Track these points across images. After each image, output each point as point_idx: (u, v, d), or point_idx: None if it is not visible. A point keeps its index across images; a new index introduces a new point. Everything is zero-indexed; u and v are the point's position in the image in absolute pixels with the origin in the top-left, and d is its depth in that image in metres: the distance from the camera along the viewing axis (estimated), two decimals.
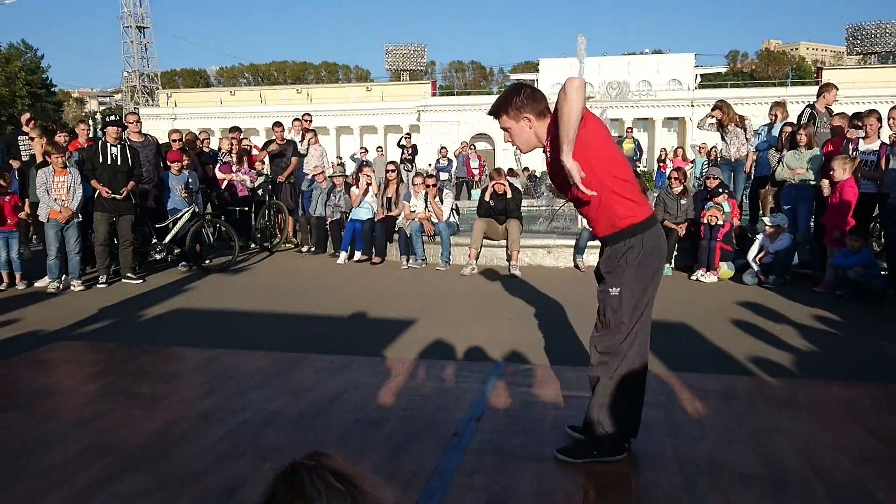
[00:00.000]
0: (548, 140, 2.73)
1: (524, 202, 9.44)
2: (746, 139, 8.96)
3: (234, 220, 9.81)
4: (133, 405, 3.62)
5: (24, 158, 8.75)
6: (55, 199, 6.97)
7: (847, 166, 6.78)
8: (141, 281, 7.48)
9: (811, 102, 8.69)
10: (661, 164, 18.60)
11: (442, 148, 18.63)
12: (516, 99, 2.76)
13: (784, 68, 73.78)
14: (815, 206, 7.68)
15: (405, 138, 18.65)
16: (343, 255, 8.88)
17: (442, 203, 8.74)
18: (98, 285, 7.22)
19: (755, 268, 7.24)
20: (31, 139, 8.55)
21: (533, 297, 6.61)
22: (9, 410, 3.55)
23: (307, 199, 10.15)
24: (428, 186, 8.75)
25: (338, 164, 18.86)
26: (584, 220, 2.76)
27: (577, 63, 11.70)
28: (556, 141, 2.59)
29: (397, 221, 8.94)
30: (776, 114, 9.06)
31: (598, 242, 2.88)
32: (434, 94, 51.00)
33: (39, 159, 7.70)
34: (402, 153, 18.20)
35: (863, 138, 7.23)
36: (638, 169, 16.29)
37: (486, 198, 8.47)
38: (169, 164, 8.51)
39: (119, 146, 7.38)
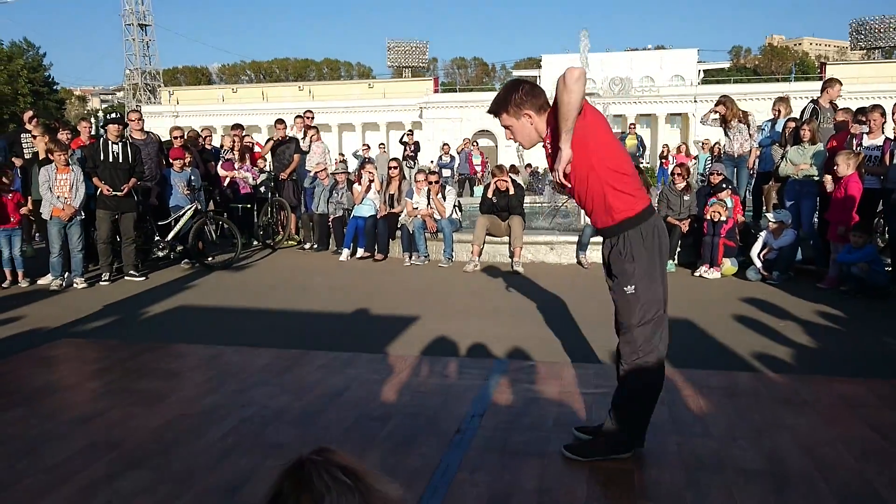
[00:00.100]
0: (548, 131, 2.72)
1: (527, 199, 9.43)
2: (750, 135, 8.92)
3: (236, 217, 9.82)
4: (136, 402, 3.62)
5: (27, 156, 8.76)
6: (58, 197, 6.98)
7: (851, 161, 6.75)
8: (143, 278, 7.49)
9: (814, 98, 8.66)
10: (664, 161, 18.58)
11: (444, 145, 18.64)
12: (515, 96, 2.75)
13: (787, 63, 73.53)
14: (819, 202, 7.66)
15: (407, 135, 18.66)
16: (345, 252, 8.88)
17: (444, 200, 8.73)
18: (101, 283, 7.23)
19: (758, 264, 7.23)
20: (34, 137, 8.57)
21: (536, 293, 6.60)
22: (12, 408, 3.56)
23: (309, 196, 10.15)
24: (430, 183, 8.74)
25: (340, 161, 18.83)
26: (587, 217, 2.76)
27: (579, 59, 11.67)
28: (556, 132, 2.59)
29: (400, 218, 8.93)
30: (779, 109, 9.02)
31: (601, 238, 2.87)
32: (436, 91, 50.96)
33: (42, 157, 7.71)
34: (405, 150, 18.20)
35: (867, 133, 7.20)
36: (641, 165, 16.25)
37: (489, 194, 8.46)
38: (171, 161, 8.51)
39: (121, 144, 7.39)
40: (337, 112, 49.29)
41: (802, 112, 8.54)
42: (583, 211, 3.18)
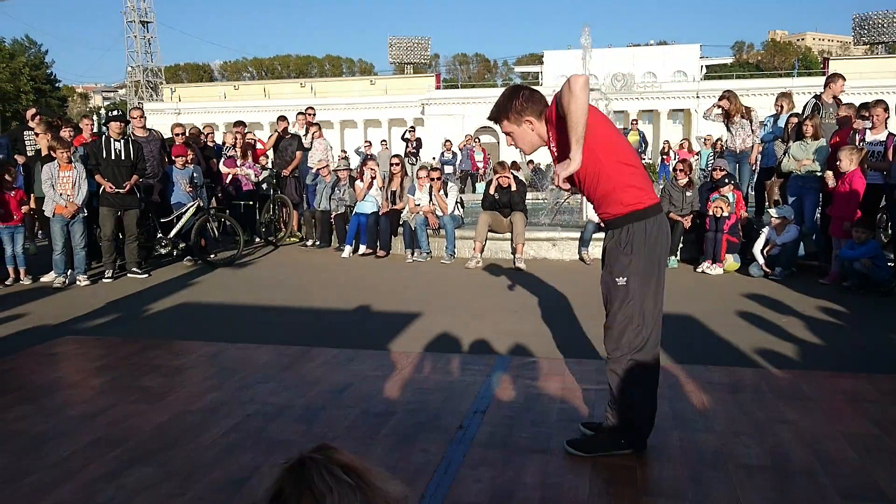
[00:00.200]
0: (551, 136, 2.73)
1: (529, 195, 9.42)
2: (752, 131, 8.91)
3: (238, 214, 9.83)
4: (139, 399, 3.63)
5: (30, 153, 8.77)
6: (60, 194, 6.99)
7: (854, 157, 6.74)
8: (146, 275, 7.50)
9: (817, 93, 8.63)
10: (665, 157, 18.55)
11: (446, 141, 18.61)
12: (516, 103, 2.76)
13: (790, 59, 73.35)
14: (822, 198, 7.65)
15: (409, 132, 18.67)
16: (348, 248, 8.88)
17: (446, 196, 8.73)
18: (104, 280, 7.24)
19: (761, 260, 7.22)
20: (37, 134, 8.57)
21: (538, 289, 6.61)
22: (17, 405, 3.57)
23: (311, 193, 10.16)
24: (432, 180, 8.74)
25: (342, 158, 18.84)
26: (589, 213, 2.77)
27: (581, 55, 11.63)
28: (563, 137, 2.59)
29: (402, 215, 8.93)
30: (782, 105, 9.01)
31: (603, 234, 2.87)
32: (438, 88, 50.90)
33: (45, 154, 7.72)
34: (407, 146, 18.23)
35: (870, 129, 7.18)
36: (643, 161, 16.23)
37: (491, 191, 8.46)
38: (173, 158, 8.52)
39: (123, 141, 7.40)
40: (339, 109, 49.26)
41: (804, 108, 8.53)
42: (585, 207, 3.18)
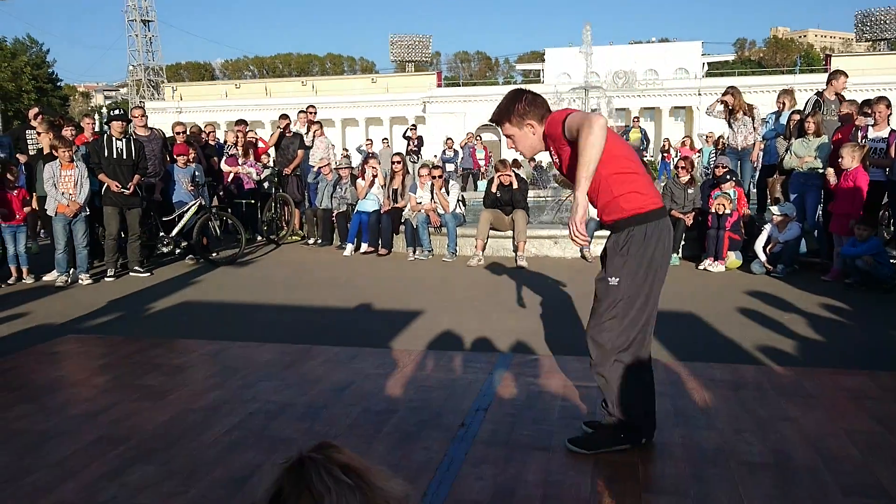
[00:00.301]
0: (552, 150, 2.77)
1: (530, 193, 9.42)
2: (754, 128, 8.90)
3: (240, 212, 9.84)
4: (142, 397, 3.64)
5: (32, 152, 8.78)
6: (62, 193, 6.99)
7: (856, 154, 6.73)
8: (148, 274, 7.51)
9: (819, 90, 8.62)
10: (665, 155, 18.52)
11: (448, 139, 18.58)
12: (518, 106, 2.79)
13: (792, 56, 73.18)
14: (823, 195, 7.63)
15: (411, 130, 18.64)
16: (349, 247, 8.88)
17: (448, 194, 8.73)
18: (106, 279, 7.25)
19: (763, 257, 7.21)
20: (39, 133, 8.58)
21: (540, 287, 6.61)
22: (19, 403, 3.58)
23: (313, 191, 10.16)
24: (434, 178, 8.74)
25: (344, 156, 18.86)
26: (591, 211, 2.77)
27: (583, 52, 11.62)
28: (563, 154, 2.67)
29: (403, 213, 8.93)
30: (784, 101, 8.99)
31: (605, 232, 2.88)
32: (439, 86, 50.83)
33: (47, 153, 7.73)
34: (408, 144, 18.20)
35: (872, 125, 7.16)
36: (644, 159, 16.23)
37: (493, 189, 8.45)
38: (175, 157, 8.52)
39: (124, 140, 7.40)
40: (340, 107, 49.21)
41: (806, 105, 8.51)
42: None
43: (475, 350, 4.58)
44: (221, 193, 10.02)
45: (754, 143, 8.92)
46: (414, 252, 8.55)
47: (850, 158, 6.71)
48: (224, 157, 10.30)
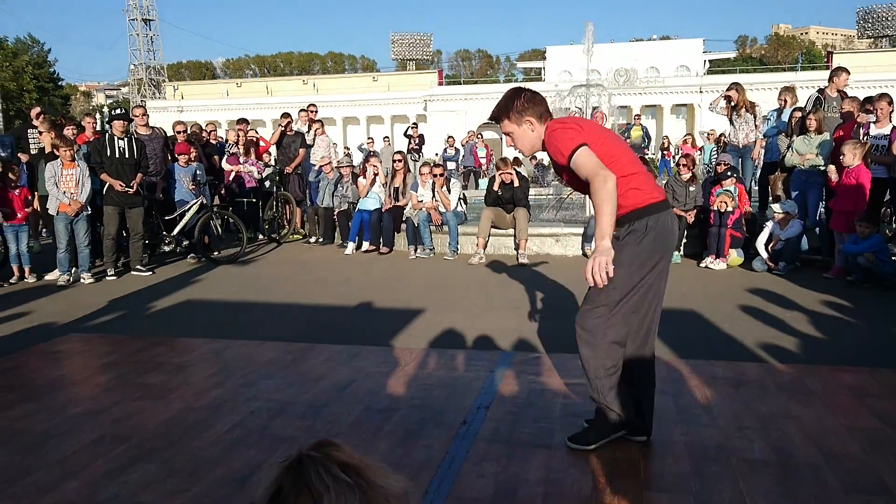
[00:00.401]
0: (551, 154, 2.76)
1: (532, 191, 9.41)
2: (755, 125, 8.89)
3: (241, 211, 9.84)
4: (143, 396, 3.64)
5: (33, 151, 8.79)
6: (64, 193, 7.00)
7: (857, 151, 6.72)
8: (150, 273, 7.52)
9: (821, 88, 8.60)
10: (665, 152, 18.49)
11: (449, 137, 18.57)
12: (517, 103, 2.80)
13: (794, 53, 73.07)
14: (825, 192, 7.62)
15: (412, 128, 18.62)
16: (351, 245, 8.89)
17: (449, 192, 8.73)
18: (108, 278, 7.26)
19: (764, 255, 7.20)
20: (40, 133, 8.59)
21: (541, 285, 6.60)
22: (21, 402, 3.58)
23: (314, 189, 10.16)
24: (435, 176, 8.73)
25: (345, 155, 18.86)
26: (593, 209, 2.76)
27: (584, 50, 11.59)
28: (563, 163, 2.69)
29: (405, 211, 8.93)
30: (785, 99, 8.98)
31: None
32: (441, 84, 50.81)
33: (48, 152, 7.73)
34: (409, 143, 18.18)
35: (874, 122, 7.15)
36: (646, 156, 16.20)
37: (494, 187, 8.45)
38: (176, 156, 8.52)
39: (126, 139, 7.40)
40: (341, 105, 49.19)
41: (807, 102, 8.50)
42: (588, 202, 3.18)
43: (476, 348, 4.58)
44: (223, 192, 10.03)
45: (756, 141, 8.91)
46: (415, 250, 8.55)
47: (852, 155, 6.70)
48: (225, 156, 10.30)
